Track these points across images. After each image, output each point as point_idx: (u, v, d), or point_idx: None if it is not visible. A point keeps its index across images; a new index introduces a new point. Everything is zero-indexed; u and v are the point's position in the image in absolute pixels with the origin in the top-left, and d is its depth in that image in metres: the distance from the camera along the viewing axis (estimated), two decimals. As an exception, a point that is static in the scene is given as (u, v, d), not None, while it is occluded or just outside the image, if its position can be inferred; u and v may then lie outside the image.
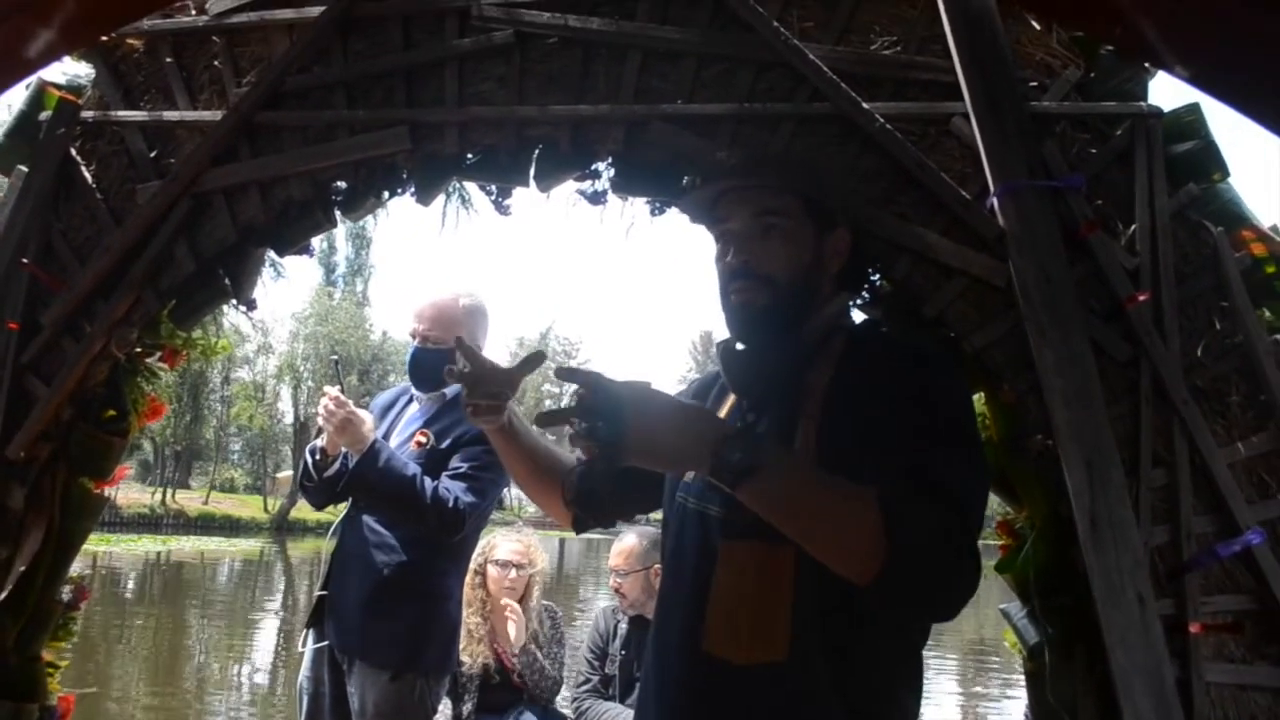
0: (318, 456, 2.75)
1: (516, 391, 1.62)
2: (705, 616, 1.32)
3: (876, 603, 1.23)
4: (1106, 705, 2.16)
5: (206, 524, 35.64)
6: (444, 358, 2.62)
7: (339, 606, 2.70)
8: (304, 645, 2.79)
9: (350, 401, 2.65)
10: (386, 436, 2.82)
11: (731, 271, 1.43)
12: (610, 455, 1.18)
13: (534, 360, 1.64)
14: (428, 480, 2.61)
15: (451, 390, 2.80)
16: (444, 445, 2.73)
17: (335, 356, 3.19)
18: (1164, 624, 2.15)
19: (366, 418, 2.66)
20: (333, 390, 2.67)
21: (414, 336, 2.81)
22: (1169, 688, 2.12)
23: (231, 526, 36.50)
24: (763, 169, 1.51)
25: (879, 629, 1.28)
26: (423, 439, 2.74)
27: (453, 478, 2.67)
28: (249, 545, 29.22)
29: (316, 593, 2.79)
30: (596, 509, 1.60)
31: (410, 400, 2.92)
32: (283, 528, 37.74)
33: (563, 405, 1.28)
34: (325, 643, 2.71)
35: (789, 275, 1.40)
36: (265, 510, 40.96)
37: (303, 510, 38.21)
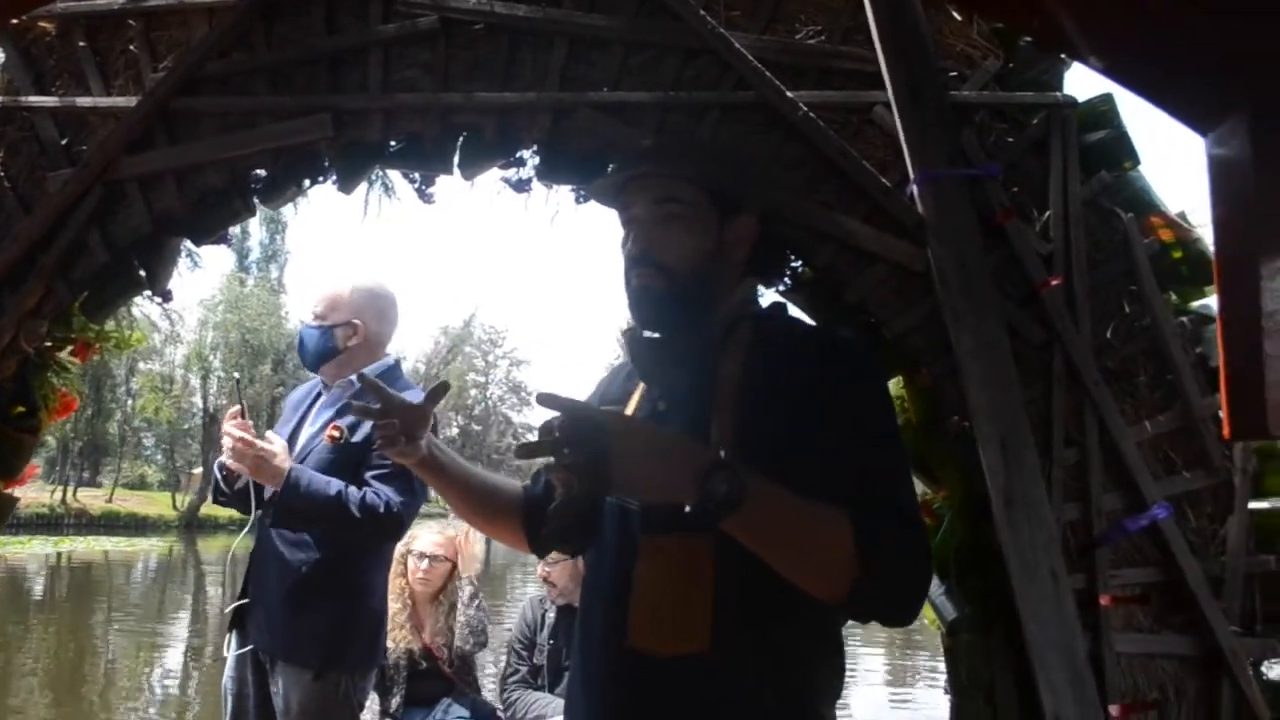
0: (224, 473, 2.62)
1: (428, 424, 1.58)
2: (628, 611, 1.32)
3: (845, 615, 1.28)
4: (1023, 678, 2.23)
5: (110, 523, 33.62)
6: (329, 336, 2.64)
7: (258, 606, 2.61)
8: (228, 649, 2.72)
9: (253, 434, 2.49)
10: (298, 429, 2.73)
11: (631, 258, 1.43)
12: (593, 488, 1.16)
13: (440, 391, 1.62)
14: (352, 491, 2.52)
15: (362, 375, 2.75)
16: (358, 439, 2.60)
17: (236, 377, 2.96)
18: (1076, 597, 2.24)
19: (277, 447, 2.51)
20: (234, 424, 2.51)
21: (312, 319, 2.73)
22: (1081, 659, 2.20)
23: (137, 525, 34.18)
24: (665, 156, 1.51)
25: (799, 615, 1.28)
26: (335, 433, 2.62)
27: (379, 478, 2.56)
28: (153, 544, 27.41)
29: (235, 595, 2.72)
30: (574, 541, 1.49)
31: (321, 391, 2.81)
32: (192, 525, 35.78)
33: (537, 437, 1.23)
34: (249, 646, 2.65)
35: (687, 262, 1.40)
36: (174, 507, 38.58)
37: (214, 506, 36.37)
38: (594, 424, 1.17)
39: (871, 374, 1.38)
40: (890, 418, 1.38)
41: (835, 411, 1.28)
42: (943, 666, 2.54)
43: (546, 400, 1.22)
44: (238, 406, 2.50)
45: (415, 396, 2.57)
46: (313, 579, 2.55)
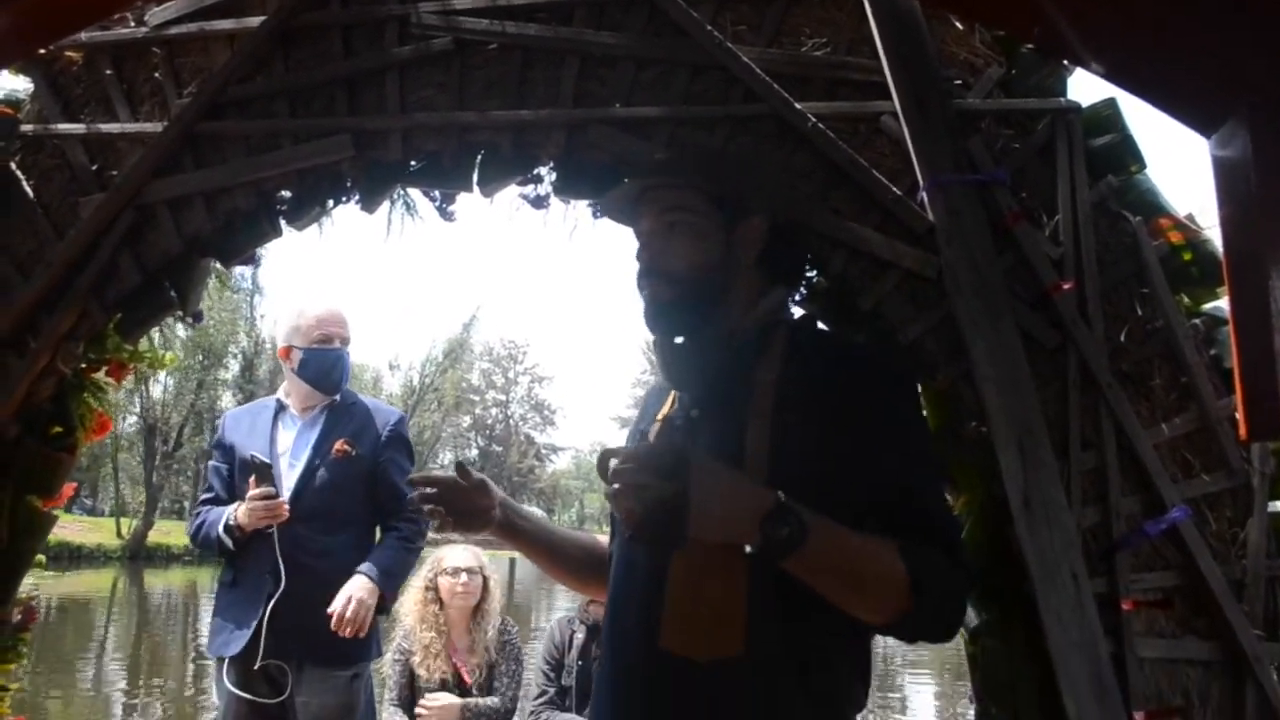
0: (237, 534, 2.85)
1: (491, 496, 1.60)
2: (661, 613, 1.33)
3: (890, 635, 1.31)
4: (1046, 683, 2.22)
5: (43, 554, 30.30)
6: (347, 360, 3.02)
7: (286, 616, 2.75)
8: (222, 689, 2.84)
9: (283, 507, 2.82)
10: (270, 447, 2.95)
11: (640, 272, 1.47)
12: (663, 524, 1.17)
13: (462, 469, 1.63)
14: (404, 535, 2.92)
15: (340, 395, 3.04)
16: (363, 451, 2.95)
17: (265, 461, 2.87)
18: (1097, 601, 2.23)
19: (366, 589, 2.80)
20: (264, 504, 2.82)
21: (329, 342, 2.98)
22: (1104, 664, 2.19)
23: (71, 556, 28.23)
24: (666, 168, 1.54)
25: (831, 621, 1.30)
26: (347, 448, 2.91)
27: (398, 521, 2.96)
28: (90, 579, 23.30)
29: (253, 619, 2.80)
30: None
31: (279, 412, 3.06)
32: (138, 556, 31.21)
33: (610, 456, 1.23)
34: (264, 661, 2.75)
35: (692, 269, 1.43)
36: (119, 535, 33.66)
37: (166, 533, 33.26)
38: (679, 457, 1.19)
39: (910, 394, 1.43)
40: (927, 438, 1.44)
41: (876, 430, 1.32)
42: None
43: (614, 453, 1.24)
44: (271, 489, 2.79)
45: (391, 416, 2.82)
46: (343, 582, 2.80)
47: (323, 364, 2.95)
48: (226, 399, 40.22)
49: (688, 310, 1.43)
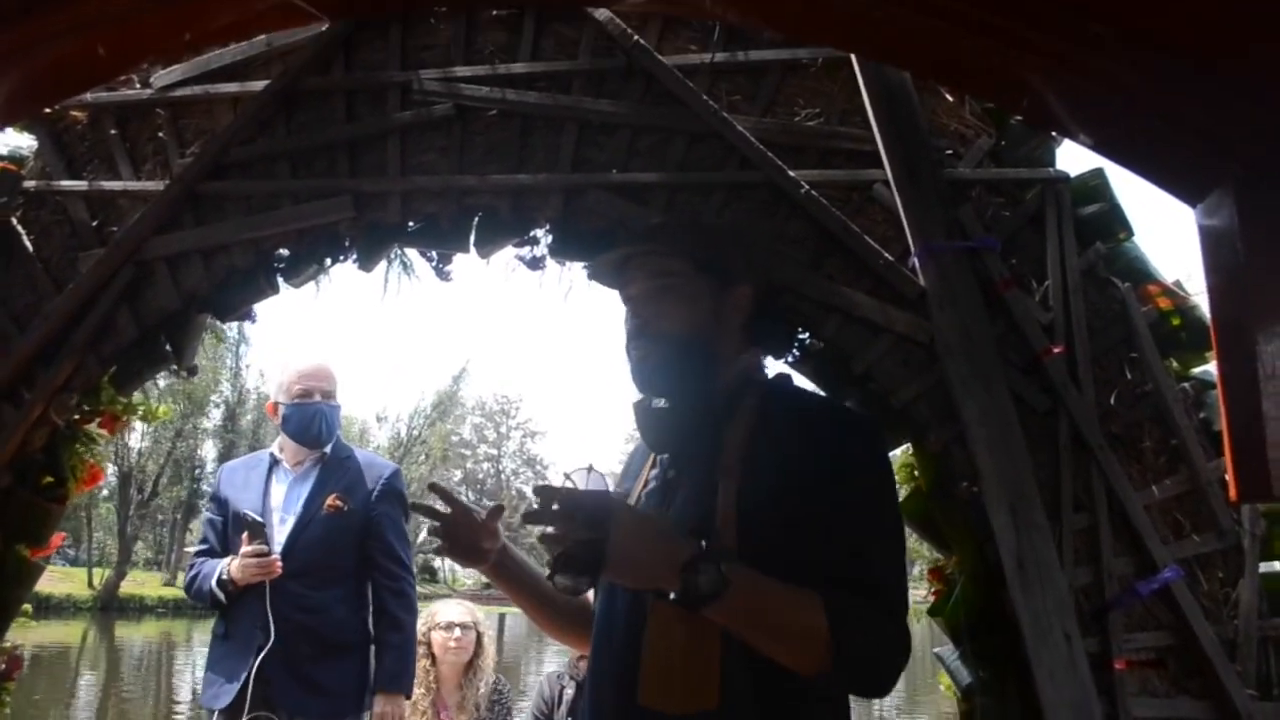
0: (230, 588, 2.87)
1: (497, 538, 1.62)
2: (639, 670, 1.35)
3: (819, 688, 1.32)
4: (1039, 743, 2.23)
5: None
6: (334, 414, 3.03)
7: (276, 669, 2.78)
8: None
9: (276, 563, 2.83)
10: (263, 508, 2.95)
11: (630, 334, 1.50)
12: (584, 568, 1.23)
13: (497, 512, 1.66)
14: (402, 618, 2.97)
15: (329, 450, 3.06)
16: (355, 505, 2.97)
17: (258, 519, 2.87)
18: (1090, 661, 2.24)
19: (394, 704, 2.91)
20: (256, 561, 2.83)
21: (309, 396, 2.98)
22: (1098, 724, 2.19)
23: (40, 606, 25.89)
24: (657, 235, 1.58)
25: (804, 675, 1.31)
26: (339, 503, 2.94)
27: (388, 579, 3.00)
28: (58, 630, 22.28)
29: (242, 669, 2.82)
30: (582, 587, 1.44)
31: (272, 466, 3.07)
32: (110, 607, 29.98)
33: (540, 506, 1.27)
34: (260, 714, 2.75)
35: (683, 332, 1.46)
36: (90, 585, 32.82)
37: (140, 584, 33.35)
38: (603, 508, 1.24)
39: (876, 454, 1.44)
40: (891, 500, 1.43)
41: (837, 489, 1.34)
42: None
43: (543, 491, 1.28)
44: (263, 547, 2.82)
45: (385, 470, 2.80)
46: (335, 638, 2.88)
47: (303, 419, 2.96)
48: (207, 448, 39.95)
49: (677, 371, 1.45)
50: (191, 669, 16.60)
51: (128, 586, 32.41)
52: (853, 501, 1.34)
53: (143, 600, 31.71)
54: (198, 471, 40.38)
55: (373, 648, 2.97)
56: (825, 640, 1.24)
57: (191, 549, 3.18)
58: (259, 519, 2.84)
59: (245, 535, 2.84)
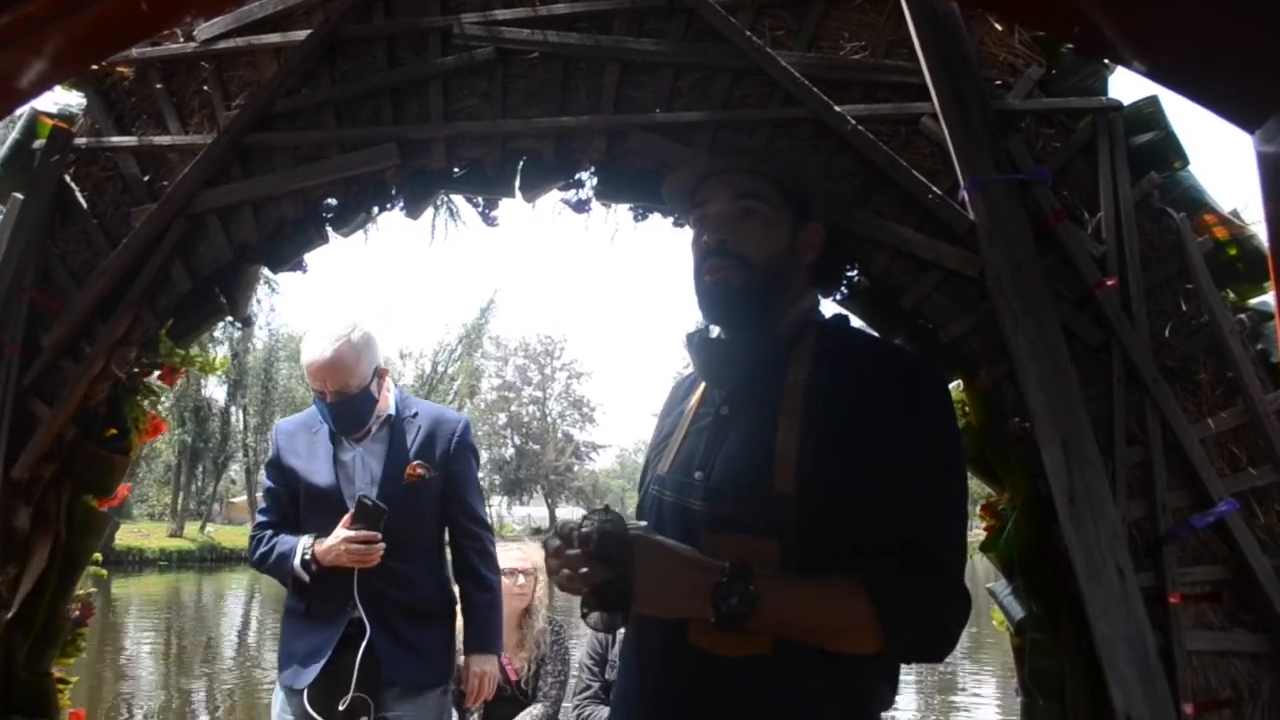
0: (314, 568, 2.70)
1: None
2: None
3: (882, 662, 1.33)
4: (1093, 676, 2.23)
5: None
6: (368, 398, 2.77)
7: (368, 647, 2.68)
8: (309, 705, 2.70)
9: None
10: (334, 461, 2.79)
11: (706, 250, 1.44)
12: (610, 605, 1.23)
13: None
14: (490, 581, 2.91)
15: (393, 411, 2.88)
16: (435, 469, 2.82)
17: (380, 504, 2.71)
18: (1144, 595, 2.23)
19: (490, 665, 2.91)
20: (363, 547, 2.66)
21: (322, 395, 2.76)
22: (1152, 657, 2.19)
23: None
24: (742, 155, 1.53)
25: None
26: (421, 472, 2.79)
27: (469, 515, 2.90)
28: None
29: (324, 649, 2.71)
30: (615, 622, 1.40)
31: (325, 428, 2.84)
32: (108, 560, 29.37)
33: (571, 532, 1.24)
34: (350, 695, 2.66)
35: (764, 258, 1.42)
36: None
37: (140, 536, 31.96)
38: (623, 544, 1.22)
39: (935, 394, 1.40)
40: (954, 450, 1.39)
41: (900, 438, 1.31)
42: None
43: (564, 532, 1.25)
44: (374, 534, 2.64)
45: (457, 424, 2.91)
46: (425, 607, 2.81)
47: (330, 413, 2.77)
48: (212, 387, 39.59)
49: (754, 297, 1.41)
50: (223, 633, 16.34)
51: (128, 538, 30.80)
52: (914, 452, 1.31)
53: (142, 552, 30.69)
54: (202, 413, 39.27)
55: (459, 607, 2.90)
56: (872, 625, 1.24)
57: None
58: (381, 505, 2.67)
59: (350, 516, 2.68)
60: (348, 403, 2.72)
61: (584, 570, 1.21)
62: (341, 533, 2.65)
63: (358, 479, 2.79)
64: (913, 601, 1.26)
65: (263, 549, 2.83)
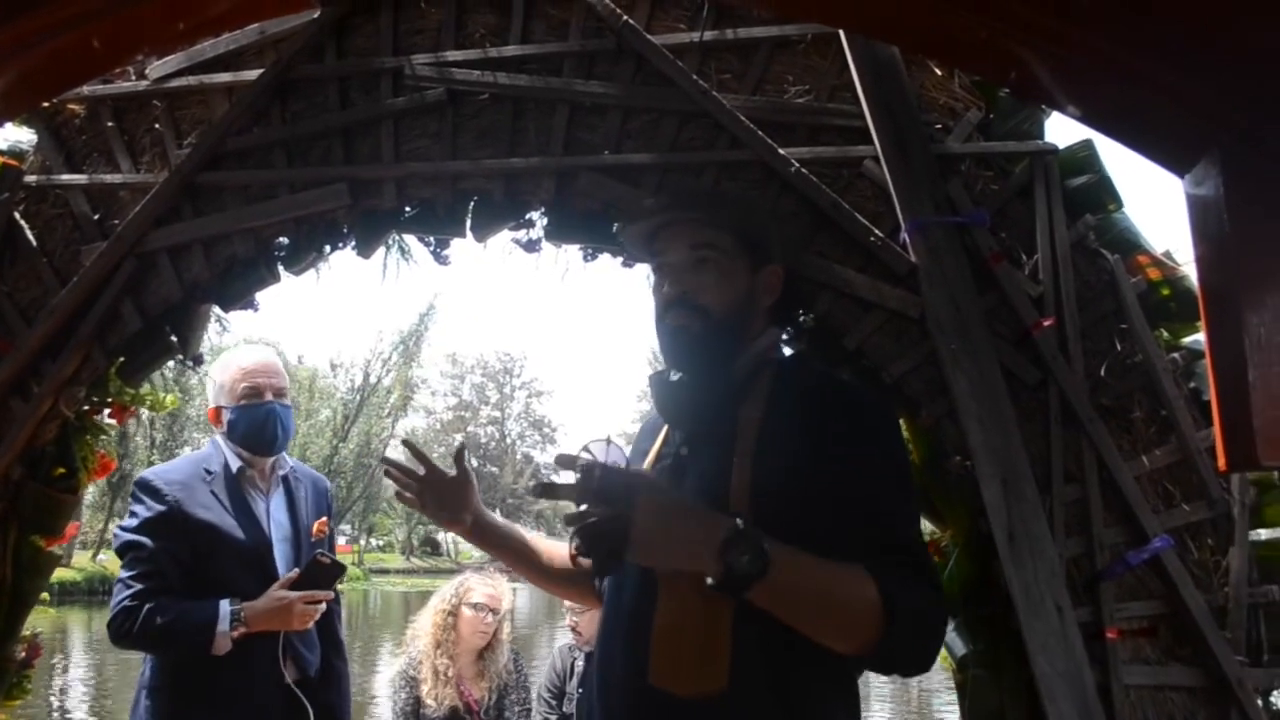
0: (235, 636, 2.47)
1: (474, 490, 1.65)
2: (649, 649, 1.35)
3: (867, 667, 1.34)
4: (1033, 712, 2.27)
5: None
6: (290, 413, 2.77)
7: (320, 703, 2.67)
8: None
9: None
10: (246, 513, 2.64)
11: (667, 301, 1.48)
12: (609, 547, 1.20)
13: (461, 454, 1.70)
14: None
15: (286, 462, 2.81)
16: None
17: (324, 554, 2.62)
18: (1083, 631, 2.28)
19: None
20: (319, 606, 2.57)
21: (259, 396, 2.68)
22: (1091, 692, 2.24)
23: None
24: (697, 204, 1.58)
25: (815, 657, 1.32)
26: (325, 529, 2.76)
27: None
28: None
29: None
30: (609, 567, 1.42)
31: (241, 481, 2.69)
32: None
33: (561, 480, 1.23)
34: None
35: (723, 306, 1.46)
36: None
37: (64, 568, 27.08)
38: (625, 484, 1.22)
39: (888, 425, 1.45)
40: (905, 470, 1.43)
41: (852, 459, 1.34)
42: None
43: (564, 462, 1.27)
44: (330, 594, 2.60)
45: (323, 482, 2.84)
46: (323, 668, 2.72)
47: (253, 421, 2.64)
48: None
49: (712, 343, 1.45)
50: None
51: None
52: (876, 475, 1.34)
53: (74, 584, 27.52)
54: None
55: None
56: (877, 612, 1.23)
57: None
58: (340, 562, 2.59)
59: (299, 575, 2.53)
60: (283, 411, 2.72)
61: (581, 508, 1.20)
62: (290, 594, 2.48)
63: (273, 533, 2.68)
64: (915, 595, 1.27)
65: (161, 619, 2.43)
